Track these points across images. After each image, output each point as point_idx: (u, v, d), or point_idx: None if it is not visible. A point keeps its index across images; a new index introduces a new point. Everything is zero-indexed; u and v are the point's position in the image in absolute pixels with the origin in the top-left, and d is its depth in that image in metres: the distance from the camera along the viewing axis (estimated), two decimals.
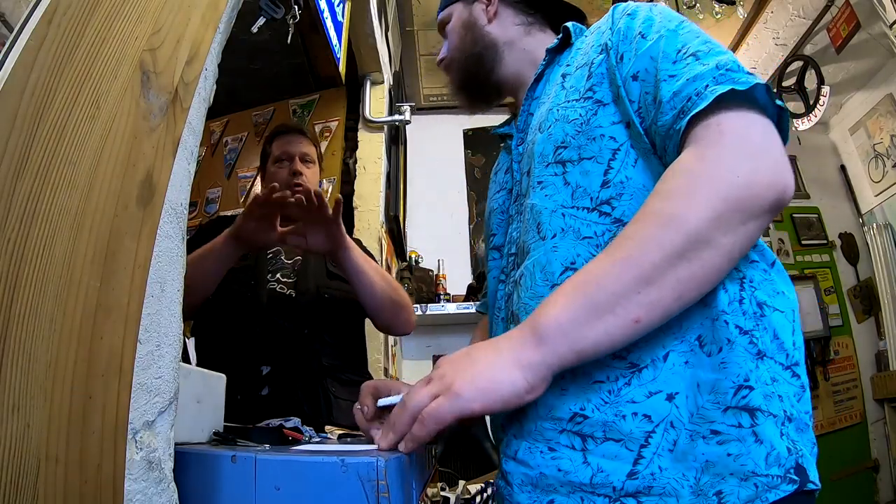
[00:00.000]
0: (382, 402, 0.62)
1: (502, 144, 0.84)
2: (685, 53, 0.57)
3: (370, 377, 1.35)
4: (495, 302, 0.75)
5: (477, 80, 0.84)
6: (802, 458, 0.49)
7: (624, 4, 0.68)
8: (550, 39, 0.79)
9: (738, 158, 0.50)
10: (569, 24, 0.77)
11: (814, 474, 0.49)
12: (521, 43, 0.83)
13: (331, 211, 1.05)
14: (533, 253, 0.63)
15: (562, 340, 0.50)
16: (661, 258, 0.48)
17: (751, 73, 0.54)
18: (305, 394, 1.16)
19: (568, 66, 0.71)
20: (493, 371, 0.50)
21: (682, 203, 0.49)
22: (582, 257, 0.59)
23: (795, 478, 0.48)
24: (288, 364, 1.16)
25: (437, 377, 0.52)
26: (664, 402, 0.53)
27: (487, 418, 0.64)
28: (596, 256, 0.53)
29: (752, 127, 0.52)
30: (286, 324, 1.18)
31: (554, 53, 0.77)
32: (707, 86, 0.52)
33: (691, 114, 0.52)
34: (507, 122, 0.85)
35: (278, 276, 1.26)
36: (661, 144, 0.58)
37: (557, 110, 0.66)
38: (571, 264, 0.59)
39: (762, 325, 0.54)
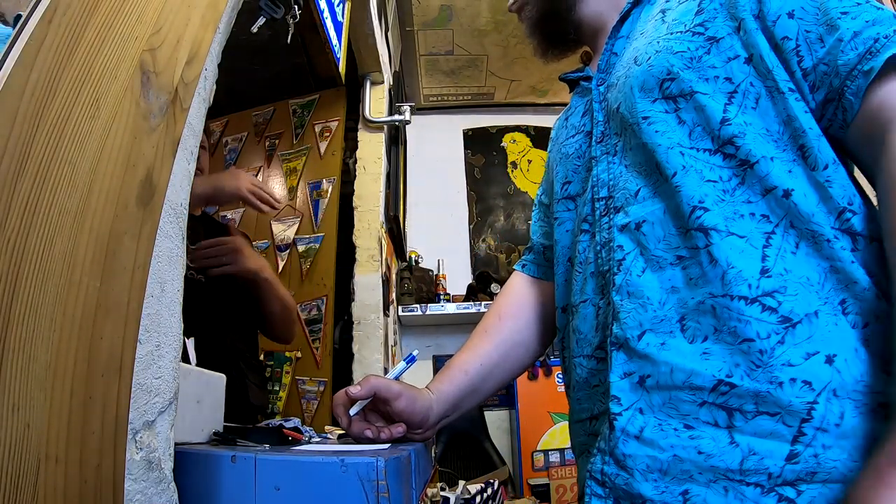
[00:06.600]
0: (354, 410, 0.66)
1: (573, 91, 0.79)
2: None
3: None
4: (574, 256, 0.67)
5: (556, 17, 0.77)
6: None
7: None
8: None
9: None
10: None
11: None
12: None
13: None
14: (655, 198, 0.57)
15: None
16: None
17: None
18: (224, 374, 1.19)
19: (667, 1, 0.66)
20: None
21: None
22: (710, 198, 0.52)
23: None
24: (204, 346, 1.19)
25: None
26: (824, 366, 0.45)
27: (484, 418, 0.63)
28: None
29: None
30: (199, 307, 1.21)
31: None
32: (895, 30, 0.49)
33: (886, 55, 0.48)
34: (578, 70, 0.79)
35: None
36: (825, 82, 0.52)
37: (658, 42, 0.60)
38: (700, 203, 0.52)
39: None
